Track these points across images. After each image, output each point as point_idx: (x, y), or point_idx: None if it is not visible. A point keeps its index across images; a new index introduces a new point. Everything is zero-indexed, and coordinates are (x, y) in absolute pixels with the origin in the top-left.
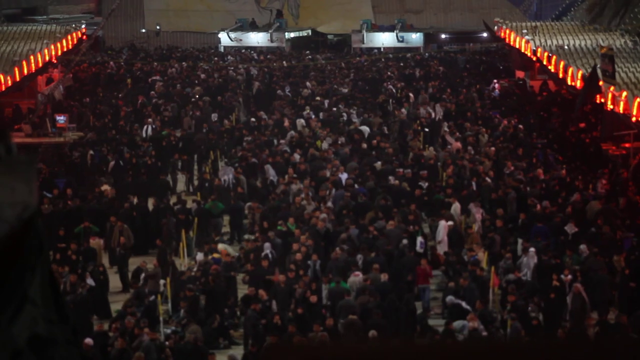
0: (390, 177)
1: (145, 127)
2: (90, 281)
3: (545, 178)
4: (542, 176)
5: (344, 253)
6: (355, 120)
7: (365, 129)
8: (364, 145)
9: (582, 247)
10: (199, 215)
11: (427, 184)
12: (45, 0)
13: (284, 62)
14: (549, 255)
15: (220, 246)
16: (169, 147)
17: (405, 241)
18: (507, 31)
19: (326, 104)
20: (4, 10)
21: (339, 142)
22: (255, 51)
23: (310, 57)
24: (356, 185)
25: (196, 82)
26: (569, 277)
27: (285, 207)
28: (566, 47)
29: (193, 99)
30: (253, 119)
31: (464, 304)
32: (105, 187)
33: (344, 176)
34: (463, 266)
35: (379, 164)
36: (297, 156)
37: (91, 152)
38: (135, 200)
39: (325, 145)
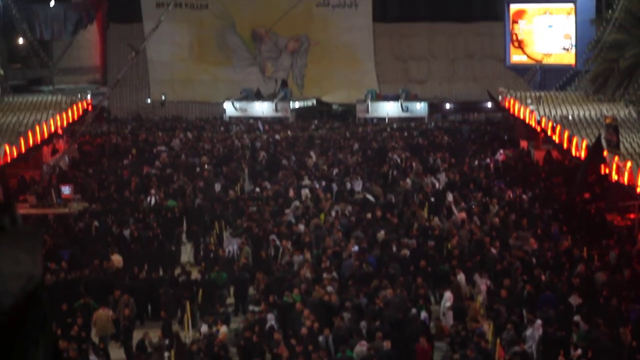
0: (395, 247)
1: (149, 198)
2: (93, 358)
3: (550, 249)
4: (547, 247)
5: (348, 321)
6: (360, 190)
7: (370, 198)
8: (369, 215)
9: (576, 318)
10: (204, 286)
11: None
12: (51, 70)
13: (289, 131)
14: (555, 327)
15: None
16: (174, 218)
17: (413, 310)
18: (512, 101)
19: (331, 174)
20: (10, 81)
21: (344, 212)
22: (260, 121)
23: (315, 127)
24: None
25: (201, 152)
26: (578, 352)
27: (290, 278)
28: (570, 117)
29: (198, 169)
30: (258, 189)
31: None
32: (115, 257)
33: (354, 248)
34: (468, 338)
35: (382, 233)
36: (301, 227)
37: (96, 222)
38: (140, 271)
39: (331, 216)
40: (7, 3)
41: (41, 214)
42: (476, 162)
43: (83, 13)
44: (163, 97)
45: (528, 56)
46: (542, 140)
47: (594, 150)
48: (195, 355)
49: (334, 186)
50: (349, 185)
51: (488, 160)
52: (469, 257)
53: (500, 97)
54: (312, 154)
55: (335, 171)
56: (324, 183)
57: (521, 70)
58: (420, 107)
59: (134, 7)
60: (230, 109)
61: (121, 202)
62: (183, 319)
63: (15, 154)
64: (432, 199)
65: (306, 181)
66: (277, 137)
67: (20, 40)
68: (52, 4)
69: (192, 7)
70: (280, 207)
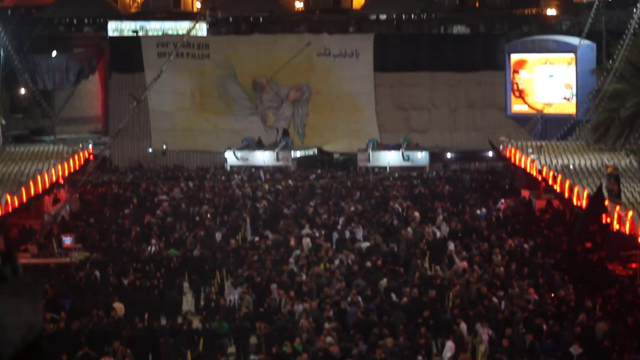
0: (396, 296)
1: (150, 247)
2: None
3: (551, 298)
4: (548, 296)
5: None
6: (361, 239)
7: (371, 246)
8: (370, 264)
9: None
10: (205, 335)
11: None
12: (52, 120)
13: (290, 180)
14: None
15: None
16: (175, 267)
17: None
18: (513, 150)
19: (332, 223)
20: (12, 131)
21: (345, 261)
22: (262, 170)
23: (316, 176)
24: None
25: (202, 201)
26: None
27: (291, 327)
28: (571, 166)
29: (198, 218)
30: (259, 238)
31: None
32: (117, 304)
33: (359, 297)
34: None
35: (384, 281)
36: (303, 275)
37: (97, 272)
38: (141, 321)
39: (332, 264)
40: (9, 54)
41: (42, 264)
42: (477, 211)
43: (85, 63)
44: (164, 147)
45: (529, 106)
46: (543, 189)
47: (595, 200)
48: None
49: (335, 235)
50: (350, 234)
51: (489, 209)
52: (470, 307)
53: (501, 147)
54: (313, 202)
55: (336, 220)
56: (325, 232)
57: (522, 119)
58: (421, 156)
59: (135, 57)
60: (231, 158)
61: (122, 252)
62: None
63: (16, 203)
64: (434, 248)
65: (307, 230)
66: (279, 186)
67: (22, 91)
68: (54, 54)
69: (193, 56)
70: (282, 256)
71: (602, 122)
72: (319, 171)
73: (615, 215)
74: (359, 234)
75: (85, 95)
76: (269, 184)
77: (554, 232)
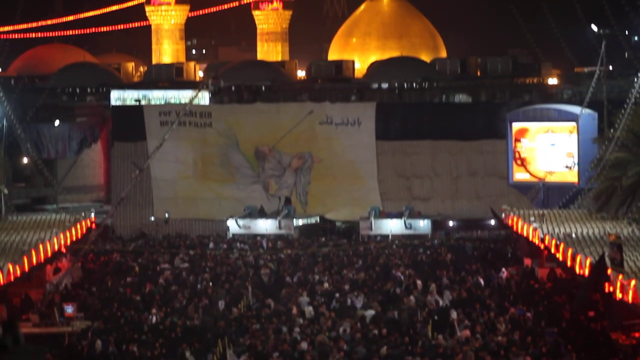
0: None
1: (151, 316)
2: None
3: None
4: None
5: None
6: (364, 307)
7: (373, 314)
8: (372, 333)
9: None
10: None
11: None
12: (55, 189)
13: (292, 249)
14: None
15: None
16: (177, 335)
17: None
18: (515, 218)
19: (334, 291)
20: (14, 200)
21: (347, 329)
22: (264, 238)
23: (318, 244)
24: None
25: (205, 269)
26: None
27: None
28: (574, 235)
29: (199, 286)
30: (261, 307)
31: None
32: None
33: None
34: None
35: (384, 349)
36: (304, 344)
37: (99, 341)
38: None
39: (334, 333)
40: (12, 123)
41: (44, 333)
42: (480, 280)
43: (87, 132)
44: (166, 215)
45: (531, 174)
46: (545, 258)
47: (598, 269)
48: None
49: (337, 303)
50: (351, 302)
51: (492, 277)
52: None
53: (503, 215)
54: (315, 271)
55: (338, 288)
56: (327, 300)
57: (524, 188)
58: (423, 225)
59: (137, 126)
60: (233, 226)
61: (124, 321)
62: None
63: (18, 272)
64: (436, 317)
65: (309, 298)
66: (281, 254)
67: (25, 160)
68: (56, 123)
69: (195, 125)
70: (284, 324)
71: (604, 190)
72: (322, 239)
73: (618, 284)
74: (361, 302)
75: (87, 164)
76: (271, 252)
77: (557, 300)
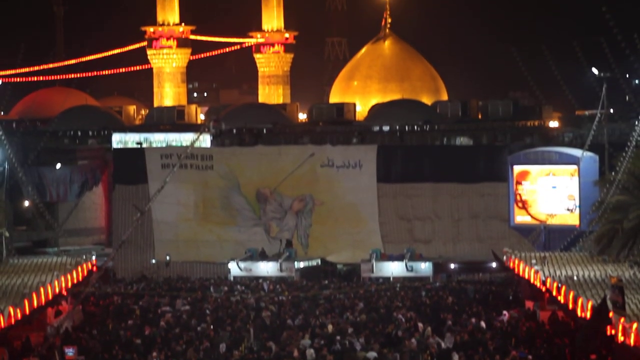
0: None
1: (152, 359)
2: None
3: None
4: None
5: None
6: (365, 350)
7: (374, 357)
8: None
9: None
10: None
11: None
12: (56, 232)
13: (294, 291)
14: None
15: None
16: None
17: None
18: (516, 261)
19: (336, 334)
20: (16, 243)
21: None
22: (265, 281)
23: (319, 286)
24: None
25: (206, 312)
26: None
27: None
28: (575, 277)
29: (200, 328)
30: (262, 349)
31: None
32: None
33: None
34: None
35: None
36: None
37: None
38: None
39: None
40: (13, 166)
41: None
42: (481, 323)
43: (89, 175)
44: (168, 258)
45: (532, 217)
46: (547, 300)
47: (600, 312)
48: None
49: (338, 346)
50: (353, 345)
51: (493, 320)
52: None
53: (504, 257)
54: (317, 313)
55: (340, 330)
56: (328, 342)
57: (525, 230)
58: (425, 267)
59: (139, 169)
60: (235, 269)
61: None
62: None
63: (19, 315)
64: (438, 359)
65: (311, 341)
66: (282, 297)
67: (26, 203)
68: (58, 166)
69: (197, 168)
70: None
71: (606, 233)
72: (324, 282)
73: (620, 327)
74: (362, 344)
75: (88, 207)
76: (272, 295)
77: (559, 343)
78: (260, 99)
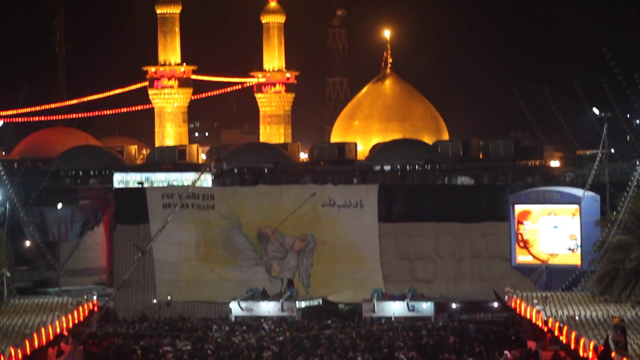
0: None
1: None
2: None
3: None
4: None
5: None
6: None
7: None
8: None
9: None
10: None
11: None
12: (57, 272)
13: (295, 331)
14: None
15: None
16: None
17: None
18: (518, 301)
19: None
20: (17, 283)
21: None
22: (266, 320)
23: (321, 326)
24: None
25: (208, 352)
26: None
27: None
28: (577, 317)
29: None
30: None
31: None
32: None
33: None
34: None
35: None
36: None
37: None
38: None
39: None
40: (14, 206)
41: None
42: None
43: (90, 215)
44: (169, 297)
45: (534, 256)
46: (549, 340)
47: (602, 352)
48: None
49: None
50: None
51: None
52: None
53: (506, 297)
54: (318, 353)
55: None
56: None
57: (527, 270)
58: (426, 307)
59: (140, 208)
60: (236, 308)
61: None
62: None
63: (20, 356)
64: None
65: None
66: (283, 337)
67: (27, 243)
68: (59, 206)
69: (198, 207)
70: None
71: (608, 273)
72: (326, 322)
73: None
74: None
75: (90, 247)
76: (274, 335)
77: None
78: (262, 139)
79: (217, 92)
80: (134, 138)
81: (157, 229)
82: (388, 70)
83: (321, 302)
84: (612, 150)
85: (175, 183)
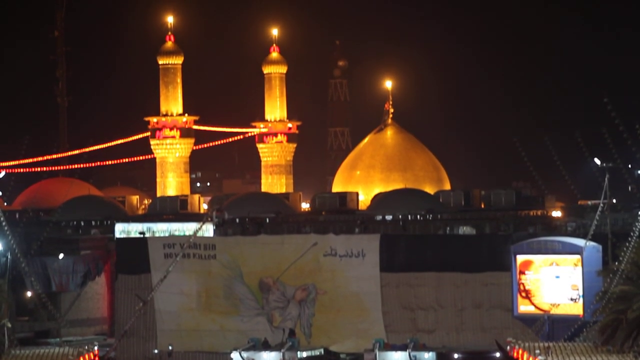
0: None
1: None
2: None
3: None
4: None
5: None
6: None
7: None
8: None
9: None
10: None
11: None
12: (58, 323)
13: None
14: None
15: None
16: None
17: None
18: (520, 351)
19: None
20: (18, 333)
21: None
22: None
23: None
24: None
25: None
26: None
27: None
28: None
29: None
30: None
31: None
32: None
33: None
34: None
35: None
36: None
37: None
38: None
39: None
40: (16, 257)
41: None
42: None
43: (91, 265)
44: (170, 348)
45: (536, 306)
46: None
47: None
48: None
49: None
50: None
51: None
52: None
53: (508, 347)
54: None
55: None
56: None
57: (529, 320)
58: (428, 357)
59: (141, 258)
60: (237, 358)
61: None
62: None
63: None
64: None
65: None
66: None
67: (29, 293)
68: (61, 256)
69: (200, 257)
70: None
71: (610, 323)
72: None
73: None
74: None
75: (91, 297)
76: None
77: None
78: (263, 189)
79: (219, 142)
80: (135, 188)
81: (159, 278)
82: (389, 120)
83: (323, 352)
84: (614, 201)
85: (176, 233)
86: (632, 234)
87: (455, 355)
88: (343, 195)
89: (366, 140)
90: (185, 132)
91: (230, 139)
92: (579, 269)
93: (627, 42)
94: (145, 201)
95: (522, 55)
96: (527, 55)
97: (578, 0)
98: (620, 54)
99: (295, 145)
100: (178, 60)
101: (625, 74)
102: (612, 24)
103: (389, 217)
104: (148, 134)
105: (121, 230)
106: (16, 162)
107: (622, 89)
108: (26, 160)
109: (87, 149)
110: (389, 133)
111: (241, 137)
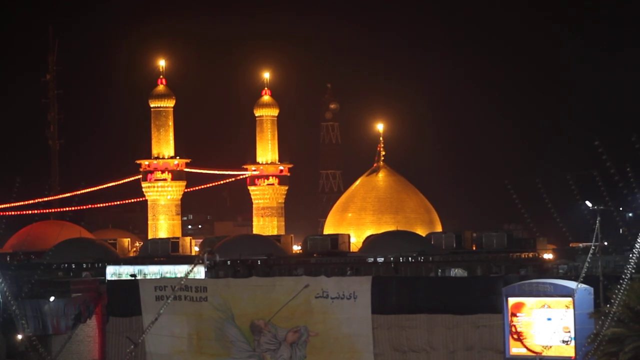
0: None
1: None
2: None
3: None
4: None
5: None
6: None
7: None
8: None
9: None
10: None
11: None
12: None
13: None
14: None
15: None
16: None
17: None
18: None
19: None
20: None
21: None
22: None
23: None
24: None
25: None
26: None
27: None
28: None
29: None
30: None
31: None
32: None
33: None
34: None
35: None
36: None
37: None
38: None
39: None
40: (7, 299)
41: None
42: None
43: (82, 308)
44: None
45: (527, 349)
46: None
47: None
48: None
49: None
50: None
51: None
52: None
53: None
54: None
55: None
56: None
57: None
58: None
59: (133, 301)
60: None
61: None
62: None
63: None
64: None
65: None
66: None
67: (19, 336)
68: (51, 299)
69: (191, 299)
70: None
71: None
72: None
73: None
74: None
75: (82, 340)
76: None
77: None
78: (255, 231)
79: (211, 184)
80: (127, 231)
81: (150, 321)
82: (381, 162)
83: None
84: (605, 243)
85: (168, 275)
86: (623, 276)
87: None
88: (335, 238)
89: (358, 182)
90: (177, 175)
91: (221, 182)
92: (571, 311)
93: (621, 85)
94: (137, 243)
95: (511, 97)
96: (515, 97)
97: (575, 45)
98: (609, 97)
99: (286, 187)
100: (170, 103)
101: (615, 117)
102: (605, 66)
103: (380, 259)
104: (139, 176)
105: (112, 272)
106: (7, 205)
107: (613, 131)
108: (17, 203)
109: (78, 192)
110: (381, 175)
111: (233, 179)
